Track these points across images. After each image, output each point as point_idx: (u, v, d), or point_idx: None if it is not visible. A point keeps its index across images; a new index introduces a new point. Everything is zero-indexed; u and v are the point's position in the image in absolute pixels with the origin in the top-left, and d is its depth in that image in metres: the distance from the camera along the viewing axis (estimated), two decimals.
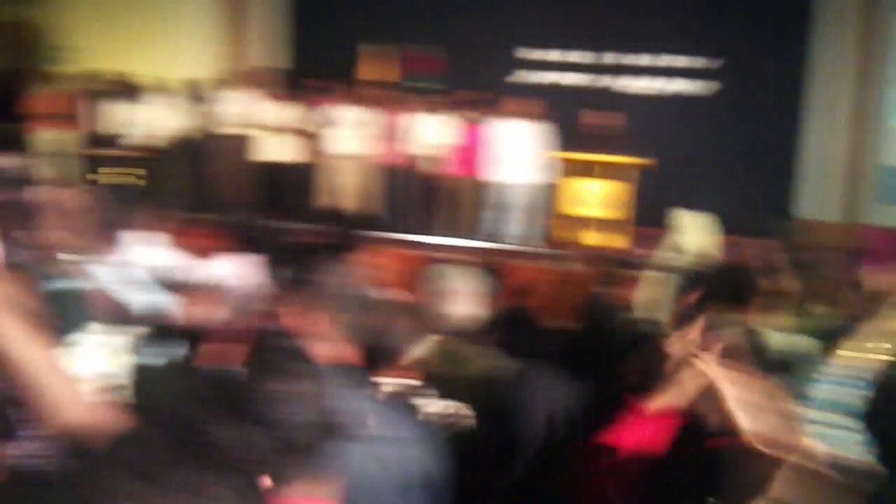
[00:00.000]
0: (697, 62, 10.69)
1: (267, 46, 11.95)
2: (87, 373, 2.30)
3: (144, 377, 2.46)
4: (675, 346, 2.27)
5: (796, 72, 10.37)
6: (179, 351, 2.51)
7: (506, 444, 2.16)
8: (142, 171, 10.07)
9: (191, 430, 0.87)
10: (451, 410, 2.66)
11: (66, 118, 10.45)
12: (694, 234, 6.48)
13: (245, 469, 1.24)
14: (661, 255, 6.32)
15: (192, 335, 2.42)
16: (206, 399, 1.42)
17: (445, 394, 2.90)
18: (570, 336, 3.09)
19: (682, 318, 2.97)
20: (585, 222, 9.20)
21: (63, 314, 2.53)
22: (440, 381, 3.00)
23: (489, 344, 3.21)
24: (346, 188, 9.41)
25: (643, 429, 2.27)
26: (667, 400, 2.22)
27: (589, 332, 3.07)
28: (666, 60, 10.80)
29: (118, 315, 2.53)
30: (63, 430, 1.30)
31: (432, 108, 9.34)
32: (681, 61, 10.76)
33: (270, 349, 1.65)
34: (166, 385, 2.38)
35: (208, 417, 1.17)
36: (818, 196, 10.32)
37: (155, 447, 0.84)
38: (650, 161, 8.95)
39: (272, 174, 9.87)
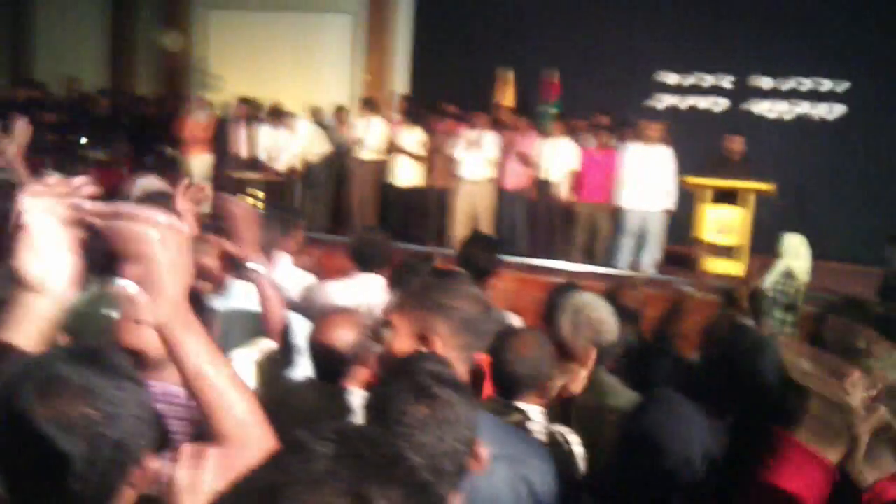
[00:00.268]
0: (824, 85, 10.29)
1: (405, 74, 12.25)
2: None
3: (288, 395, 2.54)
4: (839, 387, 2.16)
5: None
6: (317, 371, 2.55)
7: (651, 481, 2.10)
8: (284, 194, 10.48)
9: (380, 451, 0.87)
10: (576, 442, 2.63)
11: (215, 143, 11.01)
12: (803, 260, 6.22)
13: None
14: (772, 281, 6.11)
15: (329, 356, 2.47)
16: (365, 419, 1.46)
17: (584, 425, 2.88)
18: (712, 367, 3.00)
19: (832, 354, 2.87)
20: (710, 248, 8.97)
21: (225, 329, 2.67)
22: (581, 410, 2.99)
23: (630, 374, 3.17)
24: (479, 212, 9.50)
25: (804, 472, 2.20)
26: (830, 444, 2.14)
27: (730, 363, 2.96)
28: (792, 84, 10.44)
29: (272, 332, 2.64)
30: (243, 447, 1.28)
31: (565, 132, 9.33)
32: (807, 84, 10.37)
33: (420, 373, 1.60)
34: (311, 403, 2.44)
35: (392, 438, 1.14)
36: None
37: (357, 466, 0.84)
38: (770, 186, 8.67)
39: (408, 198, 10.09)
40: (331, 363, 2.45)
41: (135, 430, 1.15)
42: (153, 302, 1.19)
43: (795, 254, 6.07)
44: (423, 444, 1.52)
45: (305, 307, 3.75)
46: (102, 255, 1.27)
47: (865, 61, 10.12)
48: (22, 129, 3.45)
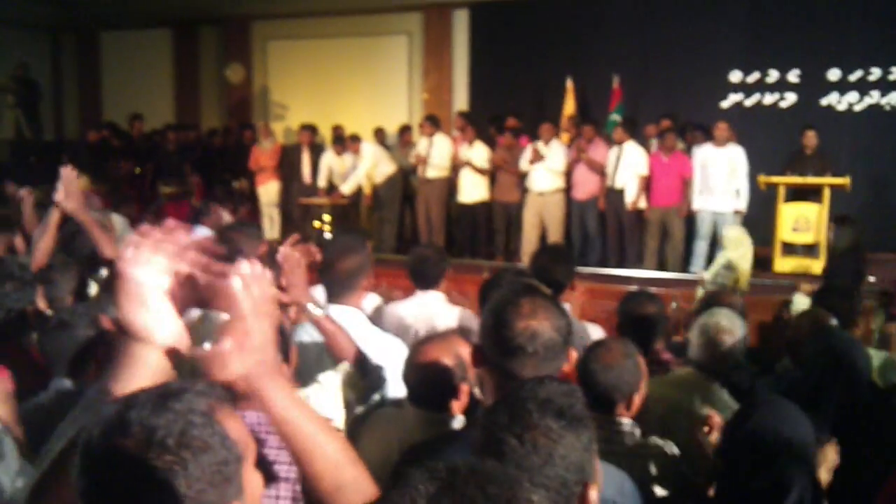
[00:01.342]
0: (894, 73, 9.95)
1: (464, 90, 12.27)
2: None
3: (386, 421, 2.51)
4: None
5: None
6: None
7: (765, 483, 2.04)
8: (351, 217, 10.57)
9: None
10: (674, 451, 2.55)
11: (282, 170, 11.17)
12: (744, 250, 6.23)
13: None
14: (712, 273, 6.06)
15: (429, 381, 2.42)
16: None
17: (659, 428, 2.81)
18: (814, 371, 2.91)
19: None
20: (789, 248, 8.74)
21: (302, 366, 2.66)
22: (658, 413, 2.92)
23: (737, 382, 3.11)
24: (548, 224, 9.42)
25: None
26: None
27: (819, 365, 2.87)
28: (861, 73, 10.11)
29: (354, 364, 2.61)
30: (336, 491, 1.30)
31: (629, 137, 9.18)
32: (876, 73, 10.04)
33: (527, 399, 1.52)
34: (412, 431, 2.39)
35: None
36: None
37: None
38: (845, 180, 8.39)
39: (475, 214, 10.06)
40: (430, 389, 2.40)
41: (216, 473, 1.12)
42: (239, 352, 1.22)
43: (736, 245, 6.21)
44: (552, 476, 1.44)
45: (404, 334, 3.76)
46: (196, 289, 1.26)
47: None
48: (69, 178, 3.41)
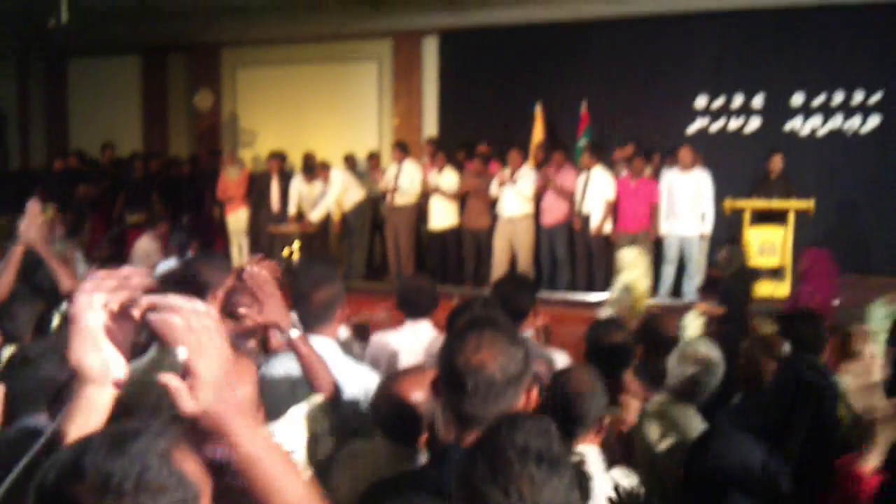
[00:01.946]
0: (856, 97, 10.14)
1: (434, 116, 12.32)
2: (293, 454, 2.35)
3: (355, 454, 2.48)
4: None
5: None
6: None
7: None
8: (320, 244, 10.53)
9: None
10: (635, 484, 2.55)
11: (250, 198, 11.12)
12: (639, 271, 6.34)
13: None
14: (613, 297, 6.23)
15: (400, 415, 2.40)
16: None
17: (645, 460, 2.81)
18: (773, 397, 2.94)
19: None
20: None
21: (276, 397, 2.63)
22: (638, 444, 2.93)
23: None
24: (517, 249, 9.45)
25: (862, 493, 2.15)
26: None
27: (788, 393, 2.89)
28: (824, 98, 10.30)
29: (323, 391, 2.58)
30: None
31: (596, 163, 9.25)
32: (839, 97, 10.22)
33: (506, 446, 1.48)
34: (378, 464, 2.38)
35: None
36: None
37: None
38: (809, 203, 8.52)
39: (444, 240, 10.08)
40: (400, 422, 2.38)
41: None
42: (191, 389, 1.21)
43: (632, 267, 6.30)
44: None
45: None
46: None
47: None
48: (33, 211, 3.38)
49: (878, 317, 5.53)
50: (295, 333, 2.53)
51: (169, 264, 5.64)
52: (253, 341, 2.89)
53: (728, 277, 6.64)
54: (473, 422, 1.79)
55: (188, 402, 1.21)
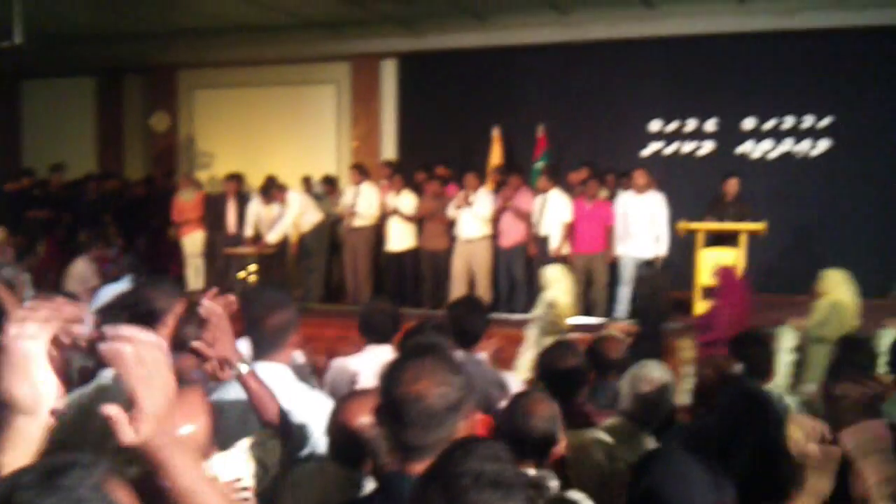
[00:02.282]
0: (807, 122, 10.41)
1: (393, 138, 12.35)
2: (240, 482, 2.33)
3: (302, 479, 2.46)
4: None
5: None
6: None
7: None
8: (277, 267, 10.46)
9: None
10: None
11: (207, 220, 11.02)
12: (562, 289, 6.57)
13: None
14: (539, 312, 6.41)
15: (348, 439, 2.39)
16: None
17: (594, 483, 2.82)
18: (719, 418, 2.96)
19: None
20: (708, 292, 8.95)
21: (225, 424, 2.60)
22: (592, 467, 2.94)
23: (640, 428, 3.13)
24: (475, 271, 9.47)
25: None
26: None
27: (734, 414, 2.92)
28: (775, 123, 10.55)
29: (276, 423, 2.57)
30: None
31: (553, 185, 9.33)
32: (789, 122, 10.48)
33: (461, 474, 1.46)
34: (324, 489, 2.36)
35: None
36: None
37: None
38: (761, 226, 8.68)
39: (402, 262, 10.07)
40: (349, 447, 2.37)
41: None
42: (133, 420, 1.21)
43: (555, 283, 6.50)
44: None
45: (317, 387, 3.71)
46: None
47: (847, 95, 10.24)
48: None
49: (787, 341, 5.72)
50: (244, 369, 2.53)
51: (117, 288, 5.55)
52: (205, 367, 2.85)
53: (643, 297, 6.78)
54: (415, 450, 1.79)
55: (128, 434, 1.21)
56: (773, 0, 9.84)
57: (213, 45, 12.28)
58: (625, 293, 9.05)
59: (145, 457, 1.24)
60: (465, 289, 9.34)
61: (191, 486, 1.26)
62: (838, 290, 6.22)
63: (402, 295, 9.93)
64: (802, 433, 2.19)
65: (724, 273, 6.76)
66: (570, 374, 3.54)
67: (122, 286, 5.58)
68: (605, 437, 3.03)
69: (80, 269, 6.97)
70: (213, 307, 2.57)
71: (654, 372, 3.13)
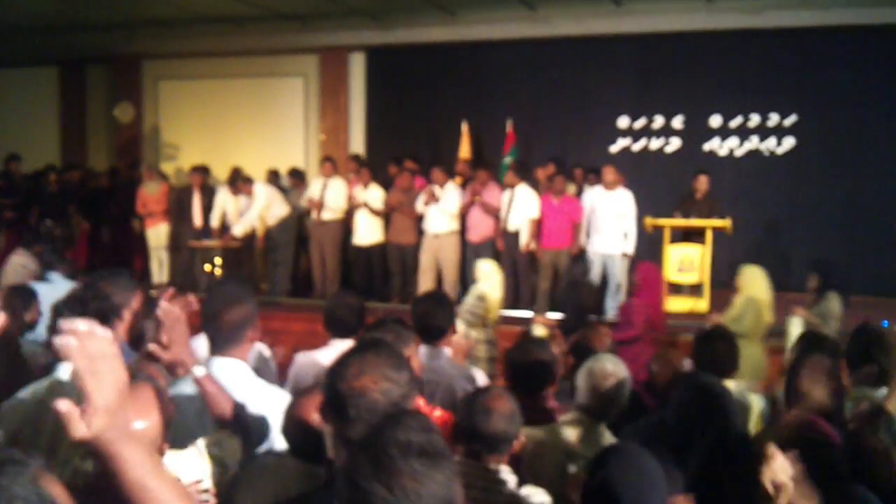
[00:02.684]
0: (772, 119, 10.53)
1: (361, 132, 12.29)
2: (194, 479, 2.30)
3: (261, 473, 2.44)
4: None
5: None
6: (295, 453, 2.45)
7: None
8: (243, 260, 10.37)
9: None
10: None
11: (173, 212, 10.90)
12: (493, 283, 6.70)
13: None
14: (468, 303, 6.56)
15: (304, 433, 2.37)
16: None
17: (552, 478, 2.82)
18: (679, 417, 2.96)
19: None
20: (675, 288, 9.04)
21: (186, 421, 2.56)
22: (551, 463, 2.93)
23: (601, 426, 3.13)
24: (443, 266, 9.46)
25: None
26: None
27: (692, 408, 2.92)
28: (742, 121, 10.65)
29: (232, 420, 2.54)
30: None
31: (520, 180, 9.33)
32: (755, 120, 10.60)
33: (388, 444, 1.49)
34: (283, 482, 2.34)
35: None
36: None
37: None
38: (726, 222, 8.77)
39: (370, 256, 10.03)
40: (306, 441, 2.35)
41: None
42: (84, 414, 1.19)
43: (487, 278, 6.63)
44: None
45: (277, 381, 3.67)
46: None
47: (812, 94, 10.35)
48: None
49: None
50: (200, 372, 2.50)
51: (58, 281, 5.45)
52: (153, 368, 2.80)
53: (563, 289, 6.89)
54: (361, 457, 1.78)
55: (79, 428, 1.19)
56: None
57: (179, 36, 12.14)
58: None
59: (97, 451, 1.23)
60: (433, 283, 9.32)
61: (142, 479, 1.24)
62: (753, 285, 6.41)
63: (369, 289, 9.91)
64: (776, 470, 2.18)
65: (645, 270, 6.78)
66: (536, 369, 3.54)
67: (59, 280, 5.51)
68: (563, 433, 3.02)
69: (20, 261, 6.71)
70: (170, 309, 2.54)
71: (609, 366, 3.12)
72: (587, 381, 3.10)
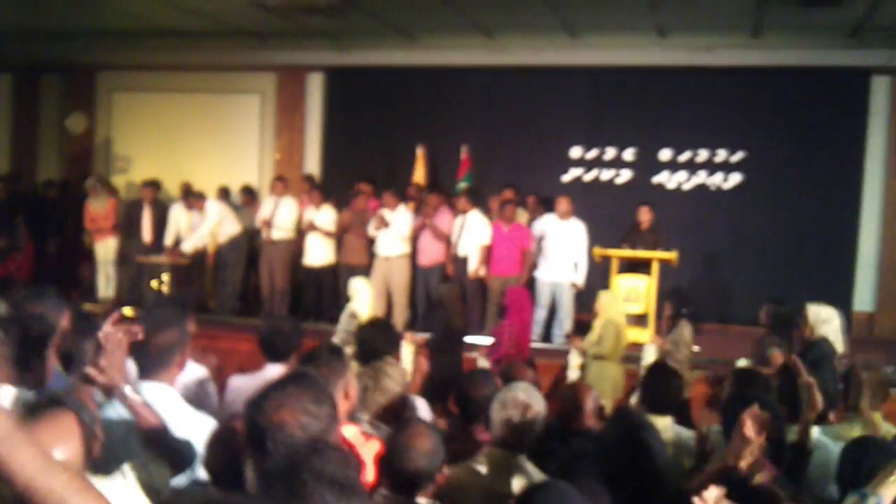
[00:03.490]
0: (720, 155, 10.75)
1: (316, 153, 12.26)
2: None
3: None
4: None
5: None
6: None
7: None
8: (192, 277, 10.27)
9: None
10: None
11: (126, 227, 10.77)
12: (363, 301, 6.93)
13: None
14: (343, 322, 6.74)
15: (225, 460, 2.37)
16: None
17: None
18: (610, 446, 3.01)
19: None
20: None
21: (114, 446, 2.55)
22: (475, 500, 2.95)
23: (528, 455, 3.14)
24: (393, 289, 9.46)
25: None
26: None
27: (625, 442, 2.96)
28: (691, 155, 10.86)
29: (162, 444, 2.53)
30: None
31: (472, 207, 9.40)
32: (704, 155, 10.81)
33: (305, 470, 1.52)
34: None
35: None
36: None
37: None
38: (672, 255, 8.92)
39: (320, 277, 9.99)
40: (227, 470, 2.34)
41: None
42: None
43: (357, 296, 6.89)
44: None
45: (216, 405, 3.65)
46: None
47: (759, 131, 10.60)
48: None
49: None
50: (135, 398, 2.51)
51: None
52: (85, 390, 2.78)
53: (431, 308, 7.06)
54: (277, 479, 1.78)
55: None
56: (692, 35, 10.10)
57: (135, 48, 12.02)
58: (541, 315, 9.14)
59: None
60: (383, 306, 9.31)
61: (36, 484, 1.22)
62: (610, 309, 6.83)
63: (319, 311, 9.86)
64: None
65: (514, 294, 7.16)
66: (478, 402, 3.53)
67: None
68: (481, 468, 3.03)
69: None
70: (114, 333, 2.54)
71: (519, 395, 3.11)
72: (499, 413, 3.08)
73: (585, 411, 3.73)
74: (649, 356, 6.73)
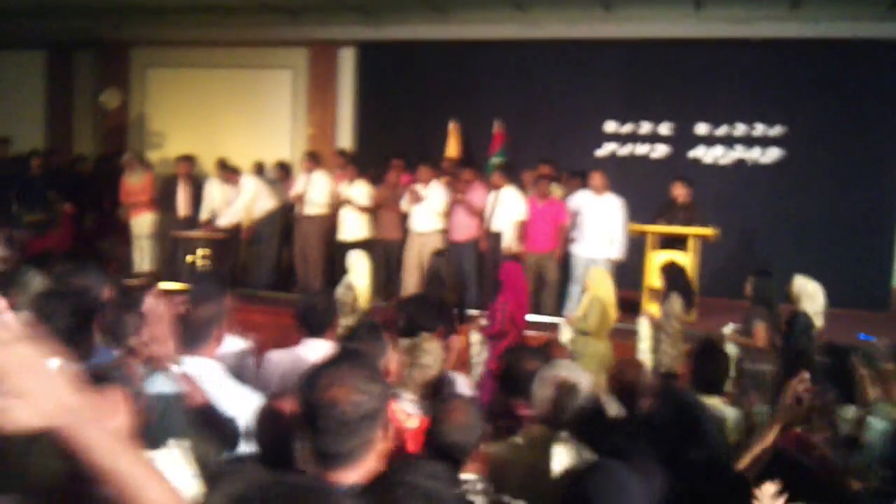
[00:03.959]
0: (758, 129, 10.60)
1: (349, 128, 12.25)
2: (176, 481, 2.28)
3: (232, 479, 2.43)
4: None
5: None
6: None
7: None
8: (228, 251, 10.33)
9: None
10: None
11: (162, 202, 10.84)
12: (361, 274, 7.07)
13: None
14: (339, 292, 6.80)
15: (277, 438, 2.36)
16: None
17: (519, 491, 2.81)
18: (663, 425, 2.96)
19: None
20: (657, 293, 9.04)
21: (160, 419, 2.56)
22: (517, 476, 2.93)
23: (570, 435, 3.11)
24: (427, 265, 9.43)
25: None
26: None
27: (679, 422, 2.92)
28: (728, 130, 10.72)
29: (209, 421, 2.53)
30: None
31: (507, 182, 9.34)
32: (742, 129, 10.67)
33: (399, 484, 1.52)
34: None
35: None
36: None
37: None
38: (712, 231, 8.79)
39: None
40: (275, 447, 2.34)
41: None
42: (20, 406, 1.13)
43: (354, 269, 7.08)
44: None
45: (255, 378, 3.66)
46: None
47: (798, 105, 10.41)
48: None
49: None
50: (178, 370, 2.51)
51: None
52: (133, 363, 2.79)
53: (425, 283, 7.23)
54: (330, 458, 1.79)
55: (24, 416, 1.13)
56: (729, 8, 9.93)
57: (169, 24, 12.06)
58: (576, 292, 9.08)
59: (65, 444, 1.18)
60: (418, 282, 9.31)
61: (113, 466, 1.20)
62: (599, 286, 6.82)
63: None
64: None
65: (509, 269, 7.04)
66: (523, 376, 3.50)
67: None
68: (522, 444, 3.01)
69: None
70: (157, 308, 2.54)
71: (562, 373, 3.08)
72: (540, 391, 3.07)
73: (640, 391, 3.69)
74: (643, 330, 6.94)
